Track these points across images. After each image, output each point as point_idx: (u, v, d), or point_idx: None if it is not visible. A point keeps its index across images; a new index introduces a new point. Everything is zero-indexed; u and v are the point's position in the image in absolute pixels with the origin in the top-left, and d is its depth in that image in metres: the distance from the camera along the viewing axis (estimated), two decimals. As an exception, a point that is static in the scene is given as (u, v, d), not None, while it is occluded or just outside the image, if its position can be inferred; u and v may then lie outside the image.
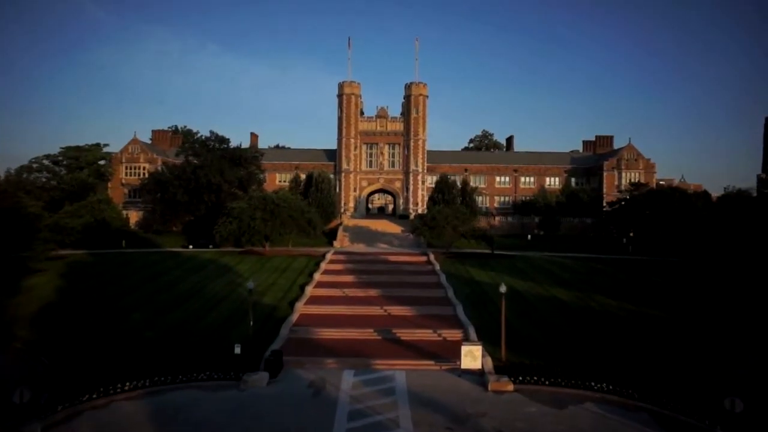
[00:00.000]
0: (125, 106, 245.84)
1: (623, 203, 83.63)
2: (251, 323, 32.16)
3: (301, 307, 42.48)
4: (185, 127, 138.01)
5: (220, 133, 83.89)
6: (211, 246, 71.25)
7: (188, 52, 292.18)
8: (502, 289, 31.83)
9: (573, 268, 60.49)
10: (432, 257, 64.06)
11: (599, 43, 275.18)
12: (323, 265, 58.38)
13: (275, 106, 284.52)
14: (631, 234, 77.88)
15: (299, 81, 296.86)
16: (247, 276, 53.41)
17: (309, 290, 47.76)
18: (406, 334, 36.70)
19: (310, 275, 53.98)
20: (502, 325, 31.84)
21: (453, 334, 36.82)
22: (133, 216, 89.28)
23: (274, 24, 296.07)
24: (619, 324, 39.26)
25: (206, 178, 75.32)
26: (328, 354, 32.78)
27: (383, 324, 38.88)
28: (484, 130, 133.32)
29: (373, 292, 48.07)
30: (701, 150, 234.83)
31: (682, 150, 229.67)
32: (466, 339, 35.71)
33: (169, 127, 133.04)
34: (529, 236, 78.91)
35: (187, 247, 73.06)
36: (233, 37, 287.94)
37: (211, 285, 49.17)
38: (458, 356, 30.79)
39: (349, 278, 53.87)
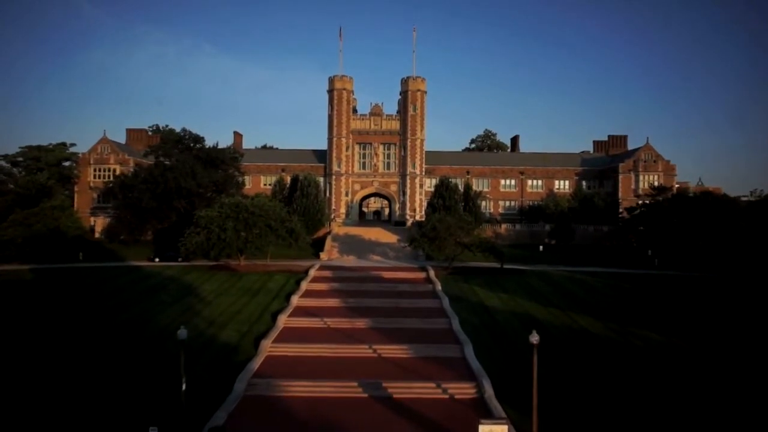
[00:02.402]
0: (122, 107, 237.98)
1: (644, 209, 75.04)
2: (183, 387, 23.15)
3: (268, 347, 33.56)
4: (167, 126, 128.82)
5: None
6: (180, 259, 62.27)
7: (184, 53, 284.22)
8: (534, 339, 22.92)
9: (597, 288, 51.74)
10: (432, 273, 55.30)
11: (604, 39, 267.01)
12: (304, 285, 49.52)
13: (271, 108, 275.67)
14: (654, 244, 69.17)
15: (295, 82, 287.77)
16: (210, 299, 44.71)
17: (282, 321, 38.87)
18: (400, 390, 27.78)
19: (287, 298, 45.14)
20: (533, 390, 22.90)
21: (462, 390, 27.95)
22: (100, 224, 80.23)
23: (271, 25, 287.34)
24: (676, 370, 30.48)
25: (176, 182, 66.38)
26: (292, 427, 23.90)
27: (371, 372, 30.03)
28: (486, 130, 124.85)
29: (361, 323, 39.22)
30: (706, 151, 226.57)
31: (688, 151, 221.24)
32: (481, 397, 27.01)
33: (150, 127, 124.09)
34: (541, 247, 70.14)
35: (153, 260, 64.23)
36: (229, 38, 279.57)
37: (163, 314, 40.19)
38: (471, 429, 21.99)
39: (333, 302, 45.03)
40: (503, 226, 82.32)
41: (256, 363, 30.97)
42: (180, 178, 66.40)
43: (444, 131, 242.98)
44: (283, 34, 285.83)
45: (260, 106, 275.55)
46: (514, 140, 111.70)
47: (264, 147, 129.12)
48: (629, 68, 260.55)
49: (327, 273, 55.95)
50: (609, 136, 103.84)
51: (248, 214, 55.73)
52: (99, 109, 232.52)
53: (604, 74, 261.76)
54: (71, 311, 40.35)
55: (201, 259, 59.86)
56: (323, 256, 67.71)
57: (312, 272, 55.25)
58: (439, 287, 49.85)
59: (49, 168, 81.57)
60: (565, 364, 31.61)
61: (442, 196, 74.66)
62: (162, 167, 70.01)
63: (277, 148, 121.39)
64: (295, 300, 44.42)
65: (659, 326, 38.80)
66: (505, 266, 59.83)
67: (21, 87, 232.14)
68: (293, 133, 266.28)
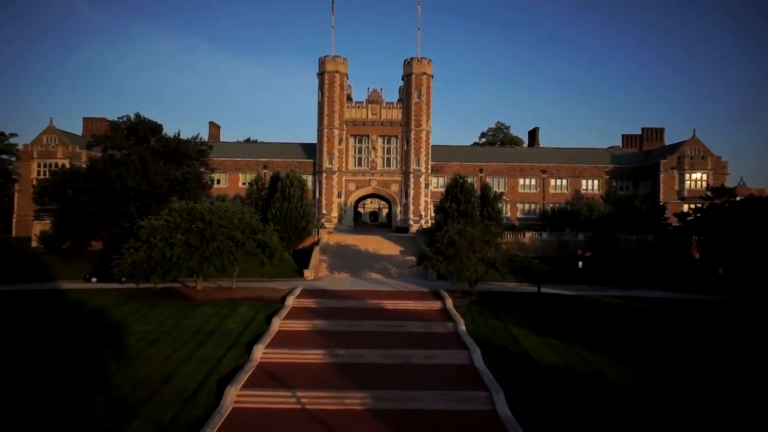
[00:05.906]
0: (119, 106, 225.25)
1: (699, 215, 61.46)
2: None
3: (194, 462, 19.73)
4: (139, 116, 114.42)
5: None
6: (123, 279, 48.25)
7: (181, 51, 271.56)
8: None
9: (680, 326, 38.09)
10: (449, 303, 41.68)
11: (619, 29, 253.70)
12: (276, 324, 35.70)
13: (269, 107, 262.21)
14: (725, 260, 55.57)
15: (293, 81, 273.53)
16: (136, 351, 30.73)
17: (231, 397, 24.94)
18: None
19: (249, 348, 31.32)
20: None
21: None
22: (37, 230, 66.25)
23: (270, 23, 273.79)
24: None
25: (121, 180, 52.45)
26: None
27: None
28: (498, 122, 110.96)
29: (354, 400, 25.36)
30: (728, 149, 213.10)
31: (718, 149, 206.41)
32: None
33: (120, 118, 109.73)
34: (580, 263, 56.47)
35: (90, 280, 50.56)
36: (227, 37, 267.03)
37: (52, 381, 26.21)
38: None
39: (314, 356, 31.13)
40: (527, 234, 68.63)
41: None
42: (126, 175, 52.46)
43: (449, 127, 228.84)
44: (282, 33, 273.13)
45: (257, 106, 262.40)
46: (533, 134, 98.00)
47: (248, 140, 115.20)
48: (646, 61, 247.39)
49: (310, 302, 42.15)
50: (642, 128, 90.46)
51: (204, 225, 41.81)
52: (99, 108, 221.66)
53: (624, 64, 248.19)
54: None
55: (152, 280, 45.96)
56: (308, 274, 53.90)
57: (290, 301, 41.50)
58: (462, 327, 36.15)
59: (-23, 162, 67.62)
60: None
61: (457, 199, 60.78)
62: (107, 162, 56.10)
63: (262, 142, 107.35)
64: (259, 352, 30.58)
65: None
66: (542, 290, 46.40)
67: (18, 87, 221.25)
68: (293, 134, 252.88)
